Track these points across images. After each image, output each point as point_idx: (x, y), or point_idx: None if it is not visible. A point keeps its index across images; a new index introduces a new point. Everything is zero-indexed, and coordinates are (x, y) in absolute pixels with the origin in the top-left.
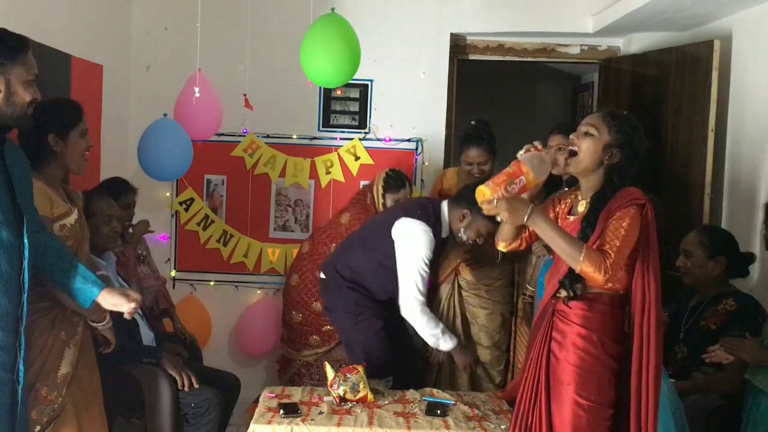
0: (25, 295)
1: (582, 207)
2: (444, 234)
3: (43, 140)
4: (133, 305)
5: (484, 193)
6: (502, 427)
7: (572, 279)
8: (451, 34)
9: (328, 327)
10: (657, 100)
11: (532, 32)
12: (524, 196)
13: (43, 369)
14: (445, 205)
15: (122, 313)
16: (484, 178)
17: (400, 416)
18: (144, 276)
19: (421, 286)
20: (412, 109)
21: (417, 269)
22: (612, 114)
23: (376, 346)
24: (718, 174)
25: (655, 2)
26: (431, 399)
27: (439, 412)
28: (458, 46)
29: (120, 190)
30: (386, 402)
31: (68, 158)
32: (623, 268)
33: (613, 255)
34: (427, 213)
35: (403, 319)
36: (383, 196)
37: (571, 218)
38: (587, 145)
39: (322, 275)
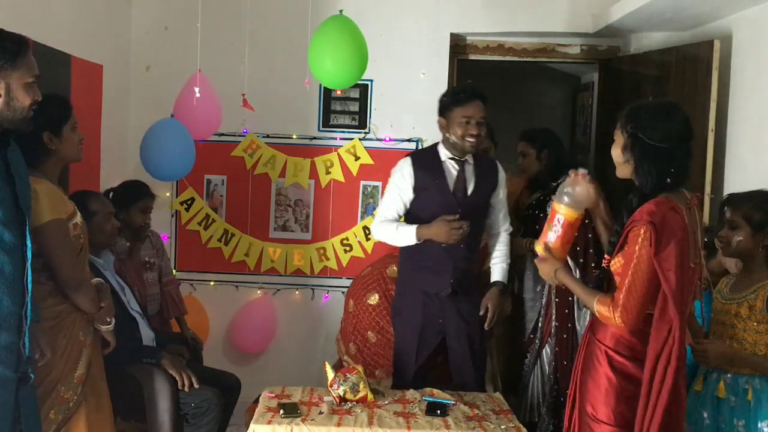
0: (29, 295)
1: None
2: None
3: (38, 139)
4: None
5: (538, 249)
6: (502, 427)
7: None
8: (451, 34)
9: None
10: None
11: (532, 32)
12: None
13: (64, 370)
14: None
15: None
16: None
17: (400, 416)
18: (149, 283)
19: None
20: (412, 109)
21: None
22: (626, 112)
23: (405, 340)
24: (718, 174)
25: (655, 2)
26: (431, 399)
27: (439, 412)
28: (458, 46)
29: (141, 193)
30: (386, 402)
31: (64, 153)
32: (639, 310)
33: (621, 300)
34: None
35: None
36: None
37: None
38: (613, 153)
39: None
